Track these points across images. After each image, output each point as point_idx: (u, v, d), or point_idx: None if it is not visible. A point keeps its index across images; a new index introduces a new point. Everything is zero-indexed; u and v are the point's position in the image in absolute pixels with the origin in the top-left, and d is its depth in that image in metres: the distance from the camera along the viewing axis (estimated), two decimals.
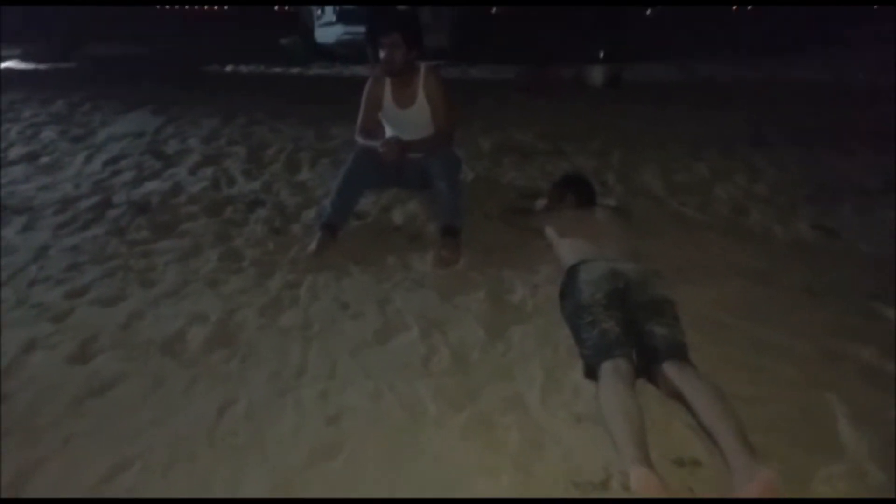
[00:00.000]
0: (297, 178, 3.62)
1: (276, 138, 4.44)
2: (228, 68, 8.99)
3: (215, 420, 1.66)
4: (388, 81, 2.91)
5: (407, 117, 2.93)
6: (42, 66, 8.30)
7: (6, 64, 8.39)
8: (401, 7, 9.83)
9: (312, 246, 2.66)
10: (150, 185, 3.40)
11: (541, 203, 3.02)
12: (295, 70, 8.95)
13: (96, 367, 1.89)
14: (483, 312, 2.20)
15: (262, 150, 4.14)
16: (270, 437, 1.61)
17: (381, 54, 2.75)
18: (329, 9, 10.46)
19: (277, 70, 8.92)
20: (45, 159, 3.75)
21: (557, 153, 4.16)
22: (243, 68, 9.03)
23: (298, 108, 5.47)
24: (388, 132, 2.99)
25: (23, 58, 8.83)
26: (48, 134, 4.24)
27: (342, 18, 10.24)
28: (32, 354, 1.95)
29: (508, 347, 2.00)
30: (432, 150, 2.86)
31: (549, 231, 2.52)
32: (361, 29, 9.69)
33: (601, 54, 7.04)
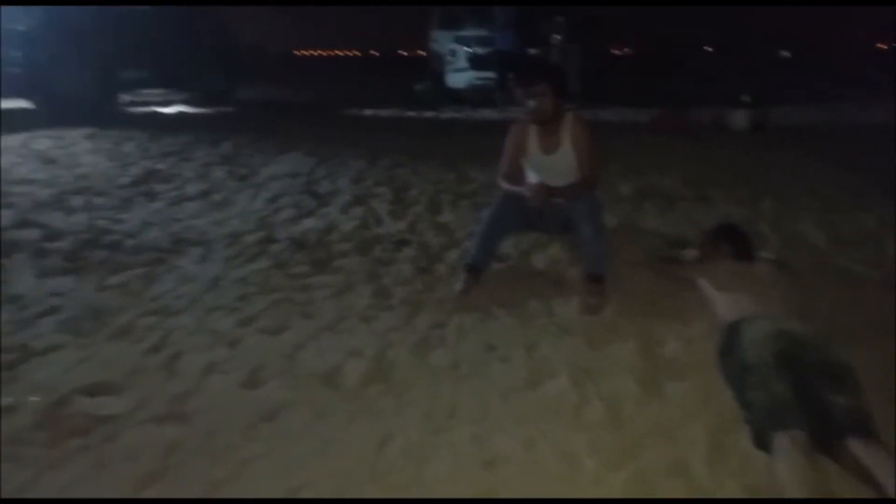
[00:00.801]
0: (439, 220, 3.75)
1: (417, 180, 4.64)
2: (368, 112, 9.55)
3: (375, 455, 1.72)
4: (533, 128, 2.95)
5: (551, 163, 2.95)
6: (207, 111, 9.25)
7: (177, 108, 9.44)
8: (532, 51, 10.07)
9: (458, 287, 2.73)
10: (307, 223, 3.66)
11: (690, 253, 2.91)
12: (429, 113, 9.34)
13: (266, 394, 2.03)
14: (634, 364, 2.14)
15: (405, 191, 4.33)
16: (429, 476, 1.64)
17: (530, 103, 2.81)
18: (461, 55, 10.87)
19: (412, 114, 9.35)
20: (216, 196, 4.16)
21: (703, 200, 4.00)
22: (382, 112, 9.55)
23: (436, 151, 5.69)
24: (531, 177, 3.02)
25: (189, 103, 9.89)
26: (218, 173, 4.70)
27: (473, 64, 10.60)
28: (210, 378, 2.12)
29: (665, 404, 1.92)
30: (577, 195, 2.86)
31: (704, 283, 2.42)
32: (491, 74, 10.09)
33: (744, 98, 6.73)
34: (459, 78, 10.96)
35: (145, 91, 9.56)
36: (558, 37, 10.38)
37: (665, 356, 2.21)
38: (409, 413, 1.92)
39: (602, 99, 9.34)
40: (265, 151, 5.46)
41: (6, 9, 6.85)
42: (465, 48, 10.76)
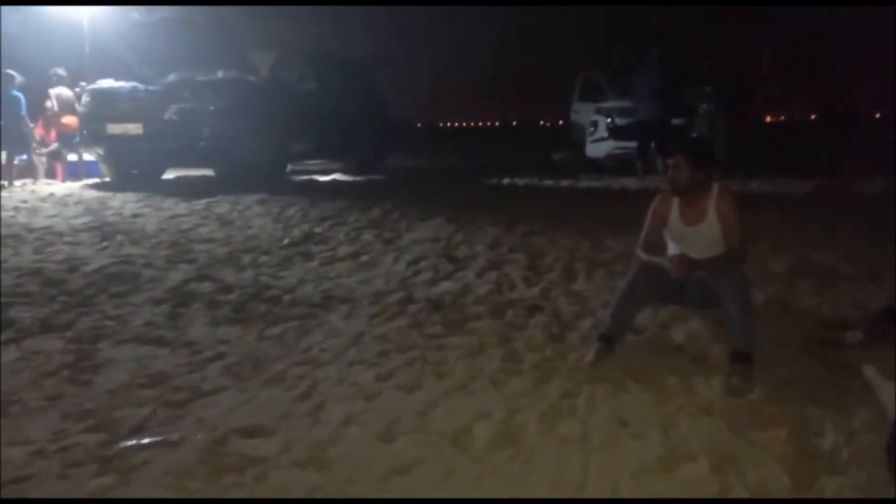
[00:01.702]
0: (573, 288, 3.74)
1: (552, 248, 4.67)
2: (506, 181, 9.81)
3: None
4: (676, 198, 2.91)
5: (694, 235, 2.88)
6: (359, 178, 10.02)
7: (333, 176, 10.32)
8: (676, 121, 9.91)
9: (590, 356, 2.69)
10: (444, 285, 3.82)
11: (854, 336, 2.66)
12: (565, 182, 9.40)
13: (399, 449, 2.12)
14: (785, 454, 1.97)
15: (540, 258, 4.38)
16: None
17: (674, 174, 2.79)
18: (602, 125, 10.95)
19: (549, 182, 9.47)
20: (364, 258, 4.47)
21: (871, 279, 3.64)
22: (518, 181, 9.77)
23: (573, 219, 5.70)
24: (672, 248, 2.96)
25: (344, 171, 10.77)
26: (367, 236, 5.06)
27: (613, 134, 10.63)
28: (349, 428, 2.25)
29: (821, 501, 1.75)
30: (722, 269, 2.74)
31: (870, 371, 2.20)
32: (632, 144, 10.04)
33: None
34: (599, 147, 11.00)
35: (308, 161, 10.56)
36: (705, 106, 10.14)
37: (821, 448, 2.01)
38: (536, 481, 1.90)
39: (753, 169, 8.89)
40: (410, 217, 5.80)
41: (199, 90, 7.99)
42: (606, 118, 10.83)
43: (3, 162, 8.50)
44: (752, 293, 3.01)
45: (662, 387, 2.45)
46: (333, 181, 9.81)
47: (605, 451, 2.04)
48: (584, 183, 9.33)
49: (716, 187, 2.85)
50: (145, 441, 2.11)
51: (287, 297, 3.64)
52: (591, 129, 11.27)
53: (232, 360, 2.81)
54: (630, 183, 9.10)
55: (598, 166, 10.93)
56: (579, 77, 13.24)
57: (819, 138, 12.07)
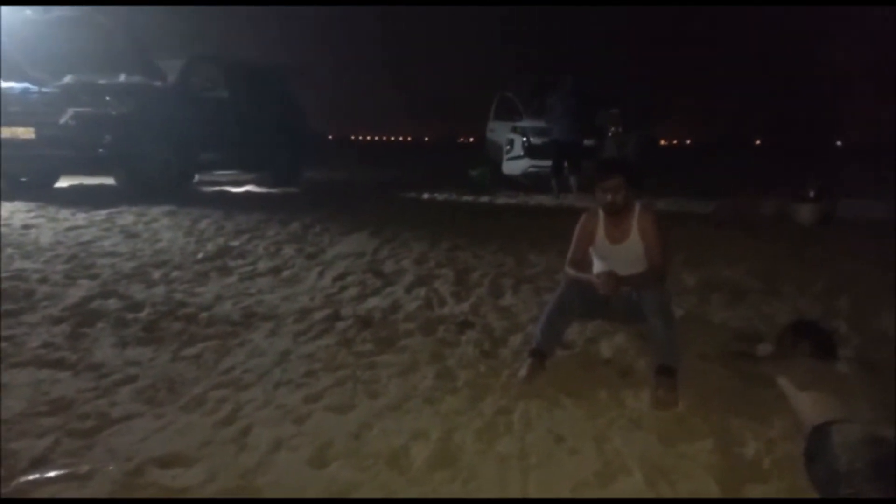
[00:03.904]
0: (501, 303, 3.76)
1: (478, 263, 4.69)
2: (425, 195, 9.83)
3: None
4: (601, 217, 3.00)
5: (618, 252, 2.97)
6: (274, 191, 9.71)
7: (247, 188, 9.95)
8: (588, 142, 10.33)
9: (523, 372, 2.70)
10: (372, 301, 3.73)
11: (765, 348, 2.82)
12: (484, 198, 9.54)
13: (334, 473, 2.02)
14: (713, 465, 2.04)
15: (467, 273, 4.39)
16: None
17: (606, 196, 2.88)
18: (518, 143, 11.24)
19: (468, 198, 9.58)
20: (286, 273, 4.30)
21: (774, 293, 3.89)
22: (437, 196, 9.81)
23: (495, 235, 5.77)
24: (598, 265, 3.04)
25: (258, 182, 10.42)
26: (288, 251, 4.88)
27: (530, 153, 10.93)
28: (279, 454, 2.13)
29: None
30: (646, 285, 2.84)
31: (784, 382, 2.33)
32: (547, 162, 10.35)
33: (810, 189, 6.65)
34: (515, 165, 11.28)
35: (219, 172, 10.13)
36: (614, 128, 10.66)
37: (745, 457, 2.11)
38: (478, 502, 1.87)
39: (658, 189, 9.39)
40: (331, 231, 5.66)
41: (99, 94, 7.49)
42: (522, 137, 11.13)
43: None
44: (672, 308, 3.14)
45: (594, 401, 2.49)
46: (247, 193, 9.46)
47: (543, 468, 2.04)
48: (501, 199, 9.50)
49: (637, 206, 2.96)
50: (49, 475, 1.90)
51: (204, 315, 3.43)
52: (508, 147, 11.55)
53: (144, 383, 2.60)
54: (545, 200, 9.36)
55: (514, 183, 11.19)
56: (496, 96, 13.56)
57: (719, 162, 12.93)
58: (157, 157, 7.66)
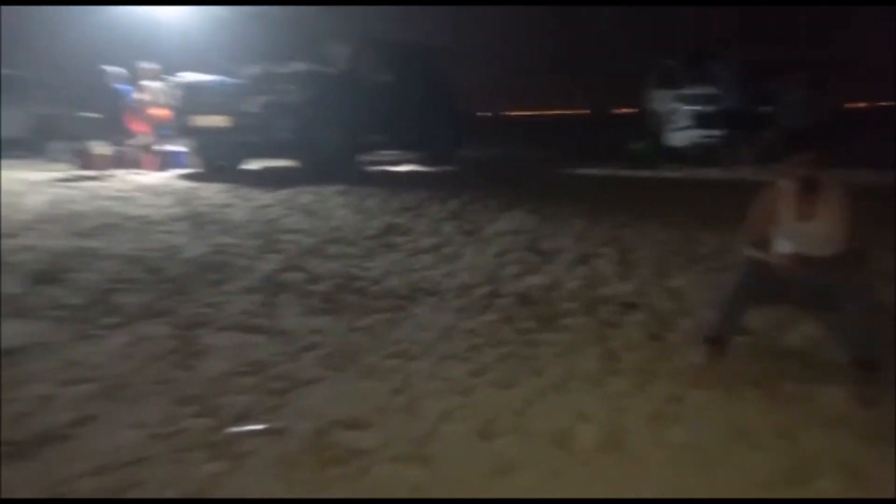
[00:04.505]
0: (670, 284, 3.58)
1: (642, 241, 4.50)
2: (583, 171, 9.58)
3: None
4: (788, 193, 2.72)
5: (807, 231, 2.67)
6: (433, 169, 10.02)
7: (408, 167, 10.36)
8: (763, 109, 9.41)
9: (697, 358, 2.55)
10: (532, 279, 3.74)
11: None
12: (646, 173, 9.09)
13: (500, 448, 2.06)
14: None
15: (630, 252, 4.23)
16: None
17: (798, 170, 2.61)
18: (683, 113, 10.54)
19: (629, 172, 9.18)
20: (447, 249, 4.45)
21: None
22: (596, 171, 9.52)
23: (659, 211, 5.49)
24: (782, 245, 2.77)
25: (418, 162, 10.80)
26: (448, 228, 5.03)
27: (698, 122, 10.21)
28: (447, 425, 2.21)
29: None
30: (841, 269, 2.54)
31: None
32: (717, 132, 9.61)
33: None
34: (681, 136, 10.60)
35: (383, 152, 10.66)
36: (794, 93, 9.61)
37: None
38: (650, 488, 1.81)
39: (838, 159, 8.31)
40: (489, 209, 5.73)
41: (282, 83, 8.18)
42: (689, 107, 10.41)
43: (101, 153, 8.98)
44: (875, 295, 2.79)
45: (779, 394, 2.30)
46: (409, 172, 9.86)
47: (723, 463, 1.92)
48: (666, 173, 9.01)
49: (831, 182, 2.64)
50: (251, 428, 2.14)
51: (374, 289, 3.65)
52: (672, 117, 10.88)
53: (326, 350, 2.83)
54: (714, 173, 8.72)
55: (679, 156, 10.53)
56: (656, 65, 12.81)
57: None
58: (331, 139, 8.23)
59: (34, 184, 7.61)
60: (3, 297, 3.38)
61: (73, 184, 7.67)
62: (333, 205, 6.06)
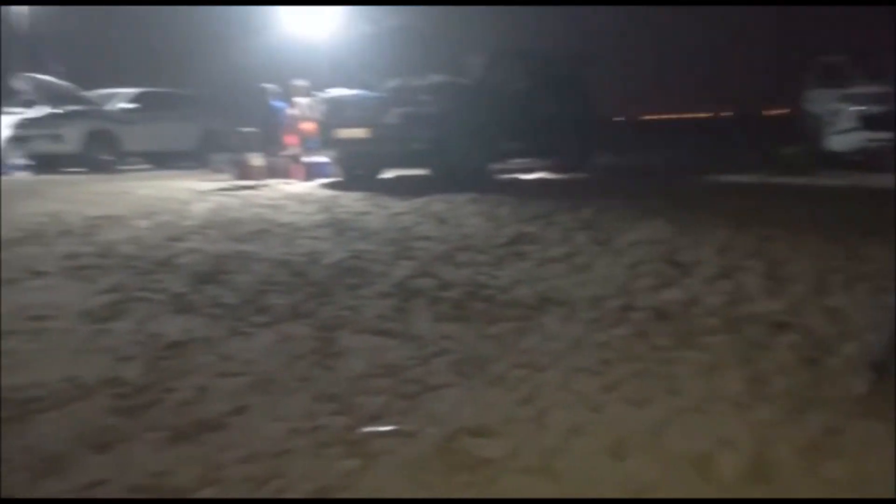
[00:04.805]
0: (828, 303, 3.25)
1: (795, 255, 4.13)
2: (726, 178, 8.98)
3: None
4: None
5: None
6: (565, 177, 9.88)
7: (539, 175, 10.29)
8: None
9: (860, 387, 2.30)
10: (669, 293, 3.56)
11: None
12: (800, 180, 8.34)
13: (632, 468, 1.97)
14: None
15: (780, 266, 3.89)
16: None
17: None
18: (849, 114, 9.55)
19: (779, 180, 8.47)
20: (578, 259, 4.35)
21: None
22: (741, 178, 8.88)
23: (817, 223, 5.01)
24: None
25: (549, 169, 10.69)
26: (579, 237, 4.93)
27: (867, 124, 9.21)
28: (577, 439, 2.16)
29: None
30: None
31: None
32: (888, 135, 8.58)
33: None
34: (845, 140, 9.61)
35: (514, 160, 10.68)
36: None
37: None
38: None
39: None
40: (623, 218, 5.54)
41: (418, 94, 8.47)
42: (856, 107, 9.42)
43: (256, 164, 9.84)
44: None
45: None
46: (539, 179, 9.80)
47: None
48: (824, 181, 8.20)
49: None
50: (384, 429, 2.23)
51: (503, 297, 3.66)
52: (834, 118, 9.89)
53: (455, 356, 2.87)
54: (883, 181, 7.79)
55: (841, 162, 9.54)
56: (815, 63, 11.73)
57: None
58: (466, 149, 8.40)
59: (199, 192, 8.48)
60: (171, 295, 3.79)
61: (232, 192, 8.46)
62: (465, 213, 6.16)
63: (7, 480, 1.98)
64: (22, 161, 12.59)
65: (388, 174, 9.95)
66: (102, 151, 12.83)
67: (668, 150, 15.24)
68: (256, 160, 10.12)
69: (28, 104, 13.10)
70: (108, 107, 13.54)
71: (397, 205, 6.75)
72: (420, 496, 1.86)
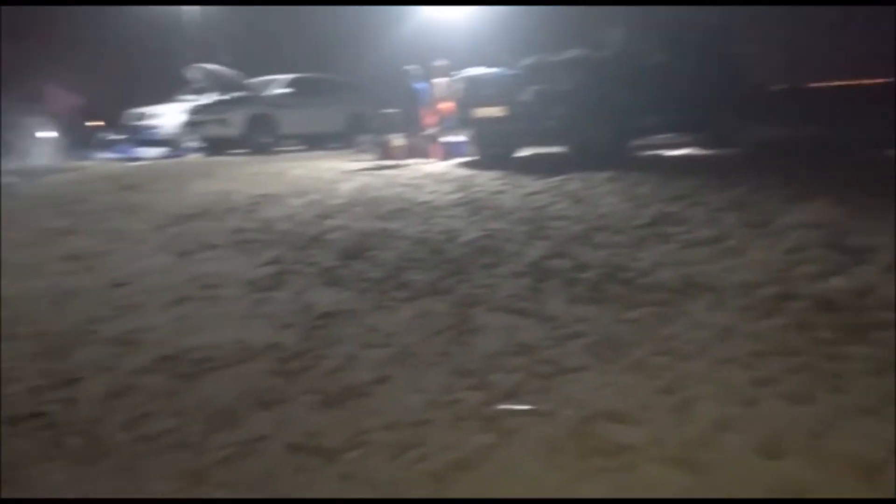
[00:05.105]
0: None
1: None
2: None
3: None
4: None
5: None
6: (713, 153, 9.21)
7: (684, 150, 9.69)
8: None
9: None
10: (835, 281, 3.22)
11: None
12: None
13: (786, 468, 1.84)
14: None
15: None
16: None
17: None
18: None
19: None
20: (728, 242, 4.05)
21: None
22: None
23: None
24: None
25: (696, 145, 10.02)
26: (729, 219, 4.58)
27: None
28: (724, 434, 2.03)
29: None
30: None
31: None
32: None
33: None
34: None
35: (657, 136, 10.15)
36: None
37: None
38: None
39: None
40: (781, 198, 5.06)
41: (552, 71, 8.28)
42: None
43: (397, 144, 10.21)
44: None
45: None
46: (685, 156, 9.24)
47: None
48: None
49: None
50: (519, 407, 2.25)
51: (643, 281, 3.52)
52: None
53: (591, 339, 2.82)
54: None
55: None
56: None
57: None
58: (602, 125, 8.12)
59: (345, 172, 8.96)
60: (322, 268, 4.06)
61: (375, 172, 8.84)
62: (602, 192, 5.96)
63: (184, 431, 2.25)
64: (195, 144, 14.05)
65: (525, 152, 9.87)
66: (262, 134, 13.96)
67: (836, 120, 13.68)
68: (398, 141, 10.50)
69: (199, 91, 14.55)
70: (266, 93, 14.65)
71: (532, 184, 6.69)
72: (553, 477, 1.87)
